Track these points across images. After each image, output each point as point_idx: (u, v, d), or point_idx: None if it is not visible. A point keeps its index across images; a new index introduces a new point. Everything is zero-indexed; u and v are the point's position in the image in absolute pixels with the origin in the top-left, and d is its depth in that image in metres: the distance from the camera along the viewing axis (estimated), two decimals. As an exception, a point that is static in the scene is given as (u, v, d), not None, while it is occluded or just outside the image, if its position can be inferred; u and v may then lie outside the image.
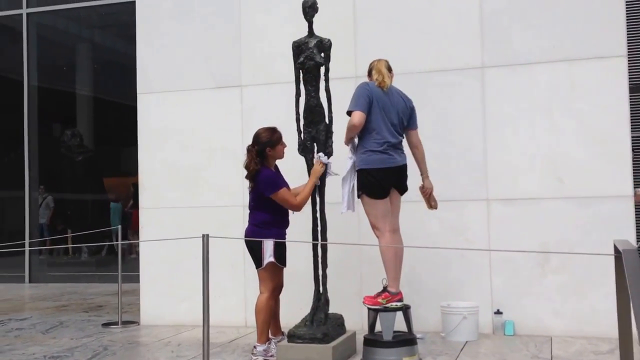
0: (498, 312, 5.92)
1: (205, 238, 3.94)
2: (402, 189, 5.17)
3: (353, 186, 5.07)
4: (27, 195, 11.93)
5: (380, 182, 4.95)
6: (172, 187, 6.84)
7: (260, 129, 5.09)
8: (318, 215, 5.16)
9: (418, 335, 5.73)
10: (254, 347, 5.02)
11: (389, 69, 5.19)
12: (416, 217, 6.09)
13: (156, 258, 6.81)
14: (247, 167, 5.00)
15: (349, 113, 4.96)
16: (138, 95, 6.94)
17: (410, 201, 6.03)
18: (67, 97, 12.85)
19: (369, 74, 5.23)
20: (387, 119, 5.03)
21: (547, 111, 5.94)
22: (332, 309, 5.34)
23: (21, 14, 11.78)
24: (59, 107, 12.89)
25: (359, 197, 5.03)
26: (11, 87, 12.15)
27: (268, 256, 4.94)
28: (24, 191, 11.95)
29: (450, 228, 6.09)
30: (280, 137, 5.05)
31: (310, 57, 5.11)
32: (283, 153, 5.10)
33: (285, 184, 5.05)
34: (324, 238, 5.14)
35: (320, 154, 5.10)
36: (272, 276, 4.98)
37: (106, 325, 6.79)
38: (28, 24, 11.78)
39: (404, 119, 5.17)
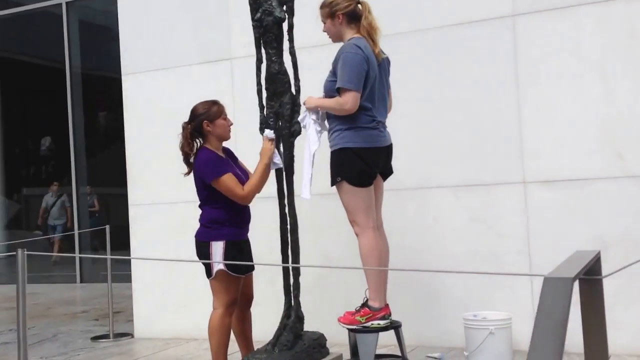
0: (542, 325, 4.67)
1: (21, 253, 3.02)
2: (388, 172, 4.08)
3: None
4: (75, 190, 11.44)
5: (370, 165, 3.85)
6: (163, 179, 5.94)
7: (198, 102, 4.12)
8: (287, 210, 4.10)
9: (435, 355, 4.63)
10: (209, 377, 4.08)
11: None
12: (434, 206, 4.94)
13: (148, 263, 5.95)
14: (181, 148, 4.07)
15: (340, 90, 3.79)
16: (122, 77, 6.08)
17: (428, 187, 4.92)
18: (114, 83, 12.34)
19: (350, 16, 3.89)
20: (380, 92, 3.93)
21: (598, 67, 4.60)
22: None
23: (60, 4, 11.29)
24: (105, 95, 12.37)
25: (333, 184, 3.93)
26: (54, 75, 11.73)
27: (217, 263, 3.95)
28: (71, 187, 11.49)
29: (477, 219, 4.87)
30: (220, 110, 4.07)
31: (269, 12, 4.04)
32: (227, 131, 4.09)
33: (236, 170, 4.04)
34: (295, 237, 4.06)
35: (267, 130, 4.04)
36: (227, 287, 3.98)
37: (96, 339, 5.99)
38: (68, 13, 11.26)
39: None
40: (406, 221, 5.00)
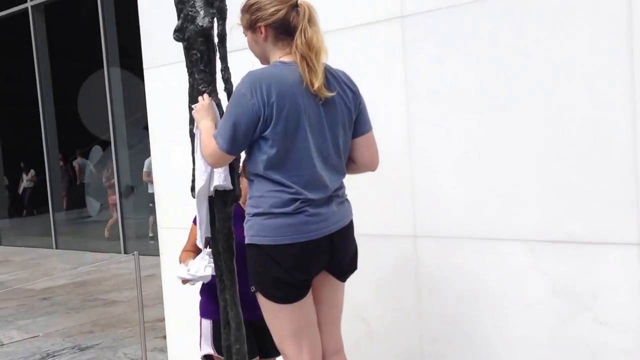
0: None
1: None
2: (345, 269, 2.65)
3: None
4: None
5: (290, 271, 2.47)
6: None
7: None
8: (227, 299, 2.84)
9: None
10: None
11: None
12: (499, 265, 3.37)
13: (180, 291, 4.93)
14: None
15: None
16: (145, 72, 4.98)
17: (490, 238, 3.44)
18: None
19: (279, 28, 2.49)
20: (319, 149, 2.48)
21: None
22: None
23: None
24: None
25: (252, 293, 2.62)
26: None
27: (204, 342, 3.19)
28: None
29: (565, 292, 3.21)
30: None
31: (191, 18, 2.76)
32: None
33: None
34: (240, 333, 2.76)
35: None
36: None
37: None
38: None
39: (350, 134, 2.57)
40: (453, 282, 3.48)
